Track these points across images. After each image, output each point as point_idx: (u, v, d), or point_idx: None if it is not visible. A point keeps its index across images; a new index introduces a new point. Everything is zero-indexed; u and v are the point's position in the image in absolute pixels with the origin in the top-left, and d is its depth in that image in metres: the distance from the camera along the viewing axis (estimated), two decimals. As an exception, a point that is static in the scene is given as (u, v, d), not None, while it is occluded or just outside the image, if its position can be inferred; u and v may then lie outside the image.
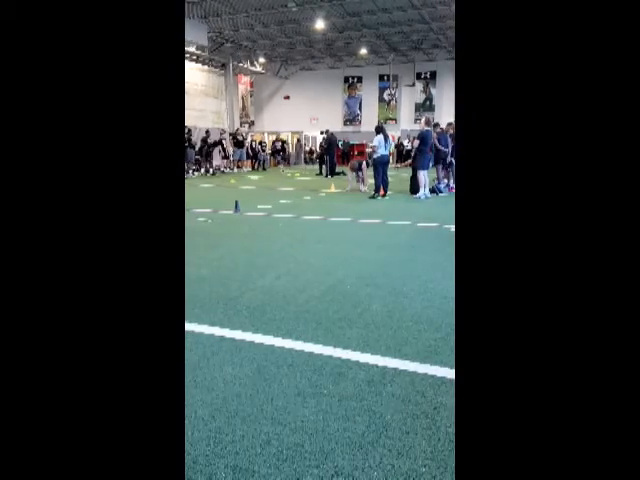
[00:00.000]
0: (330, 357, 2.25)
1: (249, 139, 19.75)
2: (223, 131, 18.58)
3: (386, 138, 9.16)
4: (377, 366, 2.15)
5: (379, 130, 9.32)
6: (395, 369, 2.12)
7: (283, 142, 22.13)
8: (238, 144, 17.92)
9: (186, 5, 14.71)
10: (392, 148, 15.89)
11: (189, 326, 2.64)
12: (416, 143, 9.65)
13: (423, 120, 9.95)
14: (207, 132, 16.93)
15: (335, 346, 2.36)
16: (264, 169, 19.69)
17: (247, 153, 18.82)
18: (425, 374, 2.07)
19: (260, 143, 20.92)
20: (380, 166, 9.18)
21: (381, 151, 9.15)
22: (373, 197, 9.11)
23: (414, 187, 9.56)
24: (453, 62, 18.82)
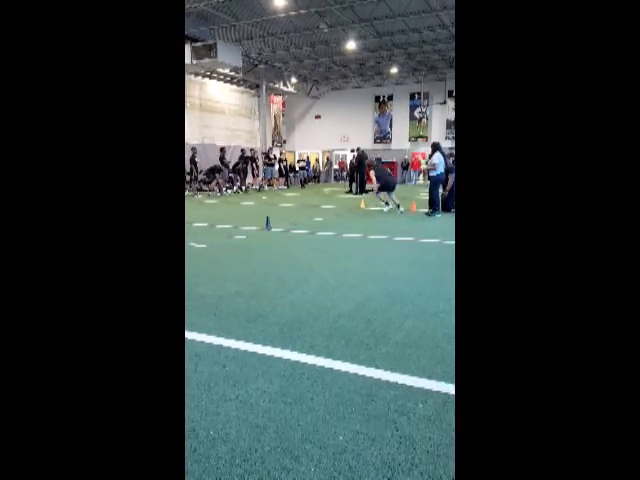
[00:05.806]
0: (360, 376, 2.23)
1: (283, 158, 20.22)
2: (256, 151, 19.17)
3: (445, 156, 9.09)
4: (409, 386, 2.12)
5: (436, 148, 9.18)
6: (427, 390, 2.09)
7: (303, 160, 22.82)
8: (270, 163, 18.46)
9: (221, 29, 15.26)
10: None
11: (226, 342, 2.68)
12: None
13: None
14: (242, 151, 17.49)
15: (365, 365, 2.34)
16: (302, 186, 20.25)
17: (280, 171, 19.35)
18: (458, 396, 2.03)
19: (298, 161, 21.66)
20: (438, 184, 9.11)
21: (440, 169, 9.05)
22: (429, 214, 8.97)
23: (446, 204, 9.50)
24: (485, 79, 18.67)
